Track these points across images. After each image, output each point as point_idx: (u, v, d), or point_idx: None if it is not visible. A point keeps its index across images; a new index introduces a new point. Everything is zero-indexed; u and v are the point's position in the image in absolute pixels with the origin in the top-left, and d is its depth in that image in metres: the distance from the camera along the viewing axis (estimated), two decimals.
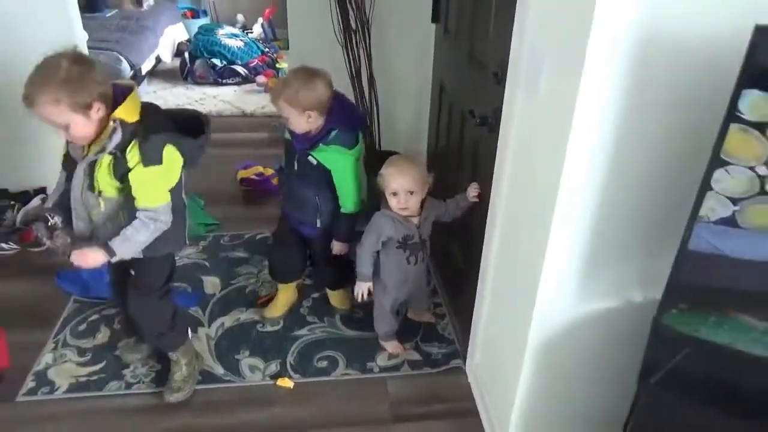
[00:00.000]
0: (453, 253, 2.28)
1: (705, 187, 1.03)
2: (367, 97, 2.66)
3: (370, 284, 1.92)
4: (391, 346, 2.07)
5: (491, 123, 1.69)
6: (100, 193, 1.53)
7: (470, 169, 1.98)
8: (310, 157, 1.86)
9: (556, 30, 1.26)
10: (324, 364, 2.02)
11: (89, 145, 1.52)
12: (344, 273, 2.15)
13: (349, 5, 2.47)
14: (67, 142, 1.58)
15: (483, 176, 1.81)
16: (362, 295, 1.93)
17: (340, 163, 1.86)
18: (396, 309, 2.05)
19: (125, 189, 1.53)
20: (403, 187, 1.81)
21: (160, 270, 1.75)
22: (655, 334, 1.20)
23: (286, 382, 1.93)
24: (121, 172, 1.50)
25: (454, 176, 2.18)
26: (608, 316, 1.44)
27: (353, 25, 2.52)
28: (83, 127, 1.46)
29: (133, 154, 1.48)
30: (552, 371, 1.53)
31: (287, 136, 1.93)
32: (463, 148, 2.08)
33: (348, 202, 1.93)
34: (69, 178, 1.59)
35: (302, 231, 2.04)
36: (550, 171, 1.30)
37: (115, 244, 1.53)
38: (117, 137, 1.47)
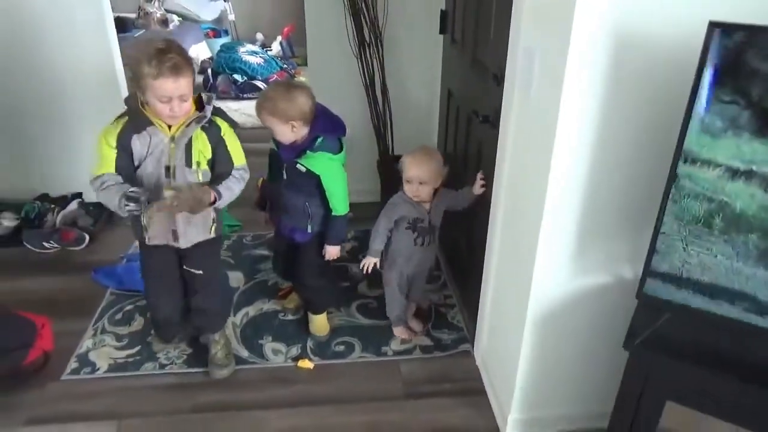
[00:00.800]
0: (461, 247, 2.41)
1: (672, 176, 1.17)
2: (380, 105, 2.82)
3: (377, 260, 2.06)
4: (400, 331, 2.21)
5: (492, 121, 1.84)
6: (198, 164, 1.72)
7: (476, 167, 2.12)
8: (298, 165, 1.91)
9: (544, 32, 1.41)
10: (341, 348, 2.17)
11: (169, 127, 1.69)
12: (328, 293, 2.25)
13: (363, 20, 2.65)
14: (119, 147, 1.68)
15: (487, 173, 1.95)
16: (367, 268, 2.05)
17: (327, 167, 1.92)
18: (404, 290, 2.18)
19: (212, 159, 1.75)
20: (416, 176, 1.98)
21: (219, 256, 2.02)
22: (639, 302, 1.34)
23: (306, 364, 2.07)
24: (214, 141, 1.73)
25: (462, 175, 2.32)
26: (600, 290, 1.57)
27: (367, 39, 2.69)
28: (190, 102, 1.67)
29: (221, 122, 1.74)
30: (550, 345, 1.66)
31: (273, 146, 2.00)
32: (470, 147, 2.23)
33: (339, 205, 1.98)
34: (125, 172, 1.70)
35: (295, 237, 2.08)
36: (541, 161, 1.45)
37: (222, 188, 1.74)
38: (211, 107, 1.72)
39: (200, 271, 1.91)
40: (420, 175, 1.97)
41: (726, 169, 1.10)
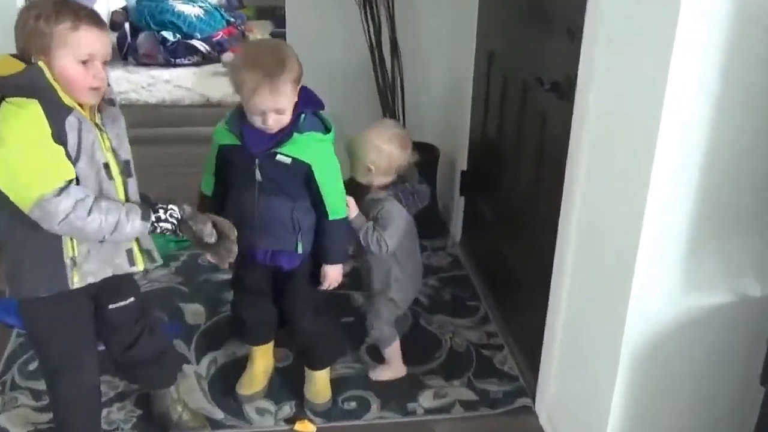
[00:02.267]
0: (507, 262, 2.55)
1: None
2: (389, 71, 2.95)
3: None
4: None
5: (564, 89, 1.98)
6: None
7: (534, 152, 2.27)
8: (279, 157, 1.90)
9: None
10: (352, 405, 2.27)
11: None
12: (331, 338, 2.28)
13: None
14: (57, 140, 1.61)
15: (551, 158, 2.09)
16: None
17: (320, 153, 1.94)
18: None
19: None
20: None
21: None
22: None
23: (306, 426, 2.17)
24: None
25: (511, 164, 2.47)
26: (717, 312, 1.70)
27: None
28: None
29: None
30: (652, 385, 1.79)
31: (229, 139, 1.96)
32: (524, 127, 2.38)
33: (337, 204, 2.01)
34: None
35: (281, 264, 2.07)
36: (641, 142, 1.58)
37: None
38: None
39: (131, 298, 1.93)
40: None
41: None
